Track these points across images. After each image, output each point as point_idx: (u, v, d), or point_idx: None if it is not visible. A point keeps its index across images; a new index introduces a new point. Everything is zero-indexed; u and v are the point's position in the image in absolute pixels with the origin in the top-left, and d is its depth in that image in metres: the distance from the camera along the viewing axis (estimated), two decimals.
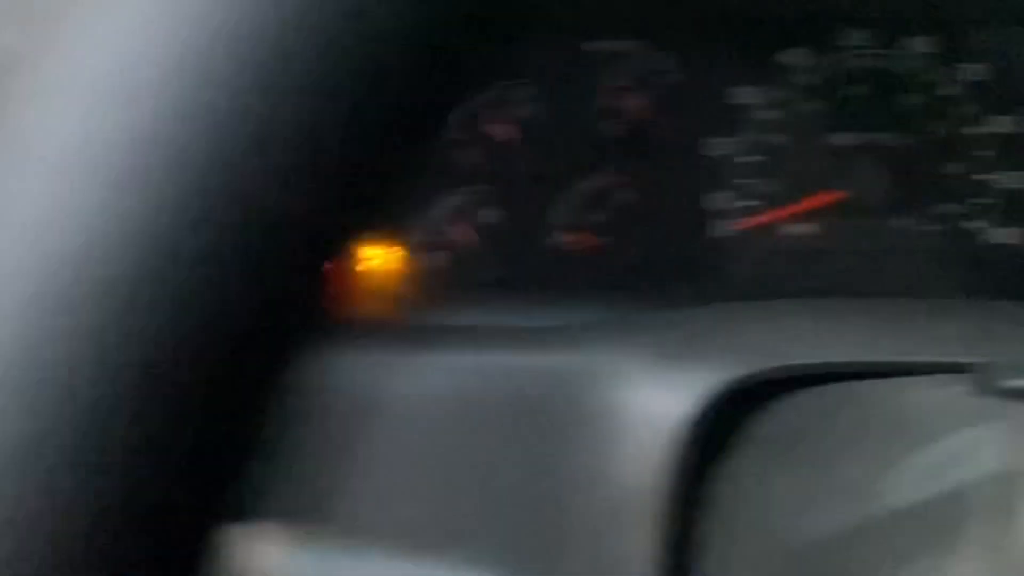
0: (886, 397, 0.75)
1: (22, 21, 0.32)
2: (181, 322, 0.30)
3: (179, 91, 0.30)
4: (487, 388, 0.93)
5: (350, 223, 0.34)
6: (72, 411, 0.30)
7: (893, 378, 0.81)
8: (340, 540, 0.90)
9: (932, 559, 0.56)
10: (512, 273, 1.19)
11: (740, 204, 1.19)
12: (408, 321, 1.12)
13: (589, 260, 1.20)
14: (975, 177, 1.19)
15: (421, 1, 0.32)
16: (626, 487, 0.89)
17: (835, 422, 0.78)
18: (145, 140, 0.30)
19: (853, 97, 1.18)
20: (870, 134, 1.18)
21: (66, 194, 0.30)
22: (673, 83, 1.18)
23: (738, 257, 1.21)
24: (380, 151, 0.34)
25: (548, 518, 0.91)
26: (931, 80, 1.17)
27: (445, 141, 1.18)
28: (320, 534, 0.90)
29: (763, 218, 1.20)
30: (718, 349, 0.90)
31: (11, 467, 0.29)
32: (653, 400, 0.89)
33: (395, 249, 1.17)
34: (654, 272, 1.20)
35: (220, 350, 0.31)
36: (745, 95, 1.18)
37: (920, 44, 1.17)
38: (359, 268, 1.08)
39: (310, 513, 0.92)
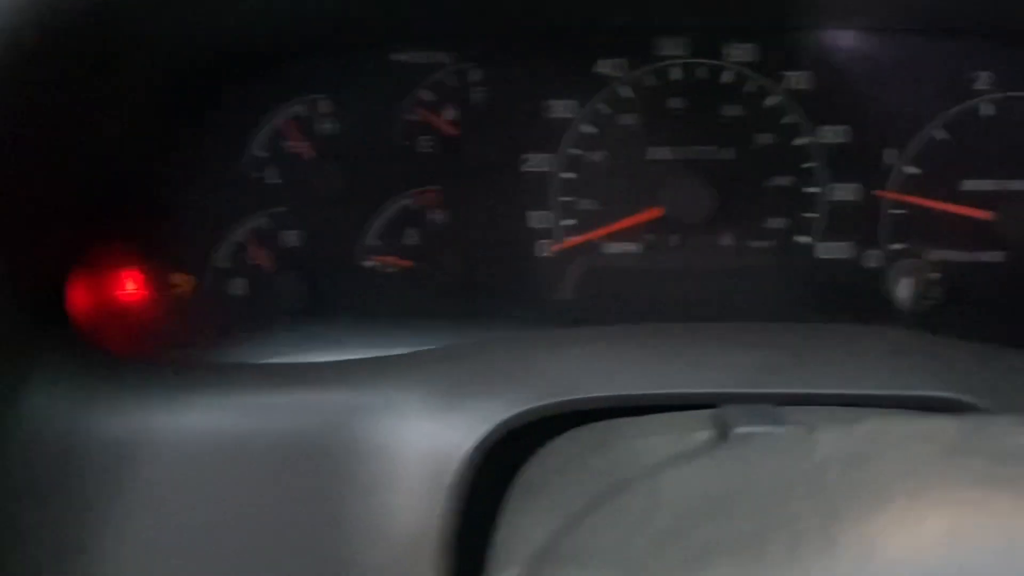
0: (636, 443, 0.71)
1: None
2: None
3: None
4: (259, 427, 0.87)
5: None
6: None
7: (653, 417, 0.77)
8: None
9: None
10: (315, 299, 1.13)
11: (559, 223, 1.14)
12: (181, 357, 1.06)
13: (399, 284, 1.14)
14: (804, 190, 1.14)
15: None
16: (402, 528, 0.84)
17: (587, 464, 0.73)
18: None
19: (674, 109, 1.13)
20: (693, 147, 1.13)
21: None
22: (486, 97, 1.13)
23: (558, 278, 1.16)
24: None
25: (322, 562, 0.86)
26: (754, 90, 1.13)
27: (241, 160, 1.12)
28: None
29: (584, 237, 1.15)
30: (504, 384, 0.86)
31: None
32: (433, 438, 0.84)
33: (181, 279, 1.11)
34: (469, 295, 1.15)
35: None
36: (562, 109, 1.13)
37: (741, 53, 1.12)
38: (132, 300, 1.01)
39: (59, 567, 0.86)
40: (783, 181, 1.14)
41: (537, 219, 1.14)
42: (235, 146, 1.11)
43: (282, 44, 1.09)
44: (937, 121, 1.12)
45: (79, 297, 1.02)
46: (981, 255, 1.14)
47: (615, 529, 0.44)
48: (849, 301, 1.15)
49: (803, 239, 1.15)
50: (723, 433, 0.63)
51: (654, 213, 1.13)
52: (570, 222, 1.14)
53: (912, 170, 1.13)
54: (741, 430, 0.62)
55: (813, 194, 1.14)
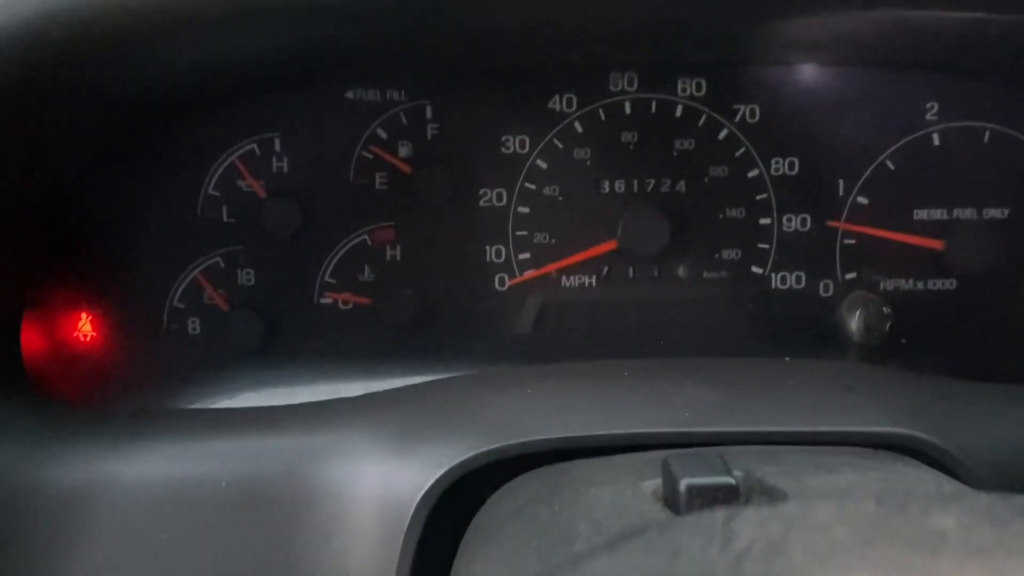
0: (585, 494, 0.71)
1: None
2: None
3: None
4: (213, 474, 0.87)
5: None
6: None
7: (602, 462, 0.77)
8: None
9: None
10: (271, 338, 1.13)
11: (515, 257, 1.15)
12: (135, 402, 1.05)
13: (355, 321, 1.14)
14: (758, 222, 1.16)
15: None
16: (357, 574, 0.84)
17: (537, 516, 0.73)
18: None
19: (627, 143, 1.14)
20: (646, 181, 1.14)
21: None
22: (441, 134, 1.13)
23: (515, 312, 1.16)
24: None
25: None
26: (706, 124, 1.14)
27: (195, 200, 1.12)
28: None
29: (539, 271, 1.15)
30: (456, 428, 0.86)
31: None
32: (386, 483, 0.84)
33: (127, 322, 1.11)
34: (426, 331, 1.15)
35: None
36: (516, 145, 1.14)
37: (693, 88, 1.13)
38: (85, 344, 1.00)
39: None
40: (736, 213, 1.15)
41: (493, 254, 1.14)
42: (189, 186, 1.11)
43: (235, 83, 1.09)
44: (887, 153, 1.13)
45: (32, 340, 1.01)
46: (932, 283, 1.16)
47: None
48: (803, 331, 1.16)
49: (757, 270, 1.16)
50: (671, 483, 0.64)
51: (609, 246, 1.14)
52: (525, 256, 1.15)
53: (863, 201, 1.14)
54: (687, 481, 0.63)
55: (766, 225, 1.15)
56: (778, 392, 0.90)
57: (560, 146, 1.14)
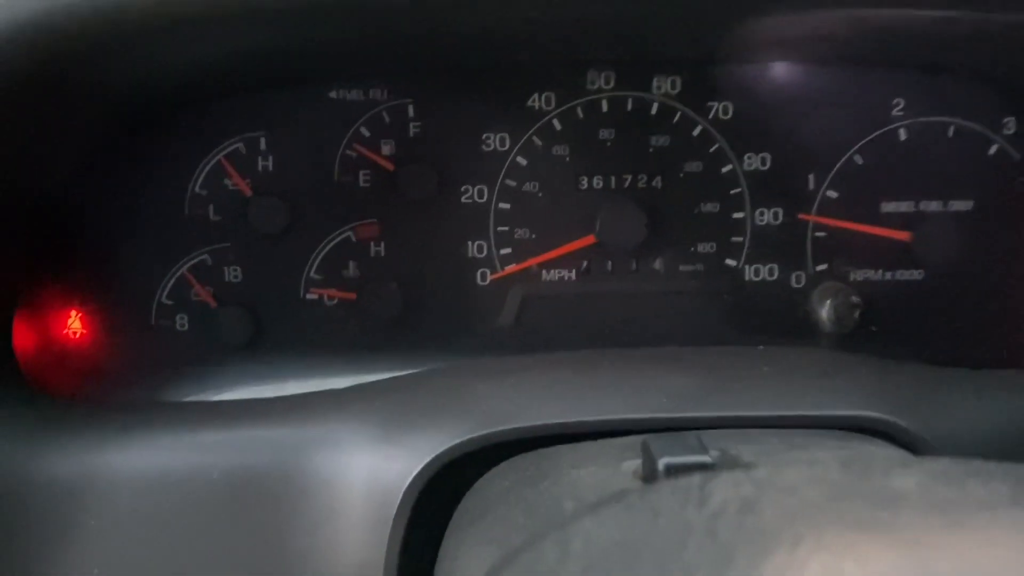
0: (568, 475, 0.74)
1: None
2: None
3: None
4: (204, 465, 0.89)
5: None
6: None
7: (585, 446, 0.80)
8: None
9: None
10: (258, 333, 1.15)
11: (496, 252, 1.18)
12: (127, 396, 1.07)
13: (341, 316, 1.17)
14: (732, 215, 1.19)
15: None
16: (347, 561, 0.86)
17: (523, 497, 0.76)
18: None
19: (605, 140, 1.17)
20: (624, 176, 1.17)
21: None
22: (423, 132, 1.16)
23: (497, 306, 1.19)
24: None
25: None
26: (681, 121, 1.17)
27: (183, 198, 1.14)
28: None
29: (520, 265, 1.18)
30: (442, 416, 0.88)
31: None
32: (375, 471, 0.86)
33: (116, 319, 1.13)
34: (410, 325, 1.18)
35: None
36: (496, 142, 1.16)
37: (668, 85, 1.17)
38: (77, 340, 1.02)
39: None
40: (711, 207, 1.18)
41: (475, 249, 1.17)
42: (176, 185, 1.13)
43: (221, 84, 1.11)
44: (855, 147, 1.17)
45: (24, 338, 1.03)
46: (900, 274, 1.20)
47: (535, 574, 0.47)
48: (776, 320, 1.19)
49: (731, 262, 1.19)
50: (650, 463, 0.67)
51: (588, 241, 1.17)
52: (507, 251, 1.17)
53: (833, 194, 1.18)
54: (666, 460, 0.66)
55: (740, 219, 1.18)
56: (752, 379, 0.93)
57: (539, 143, 1.17)
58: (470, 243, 1.18)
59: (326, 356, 1.16)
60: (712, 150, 1.17)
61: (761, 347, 1.05)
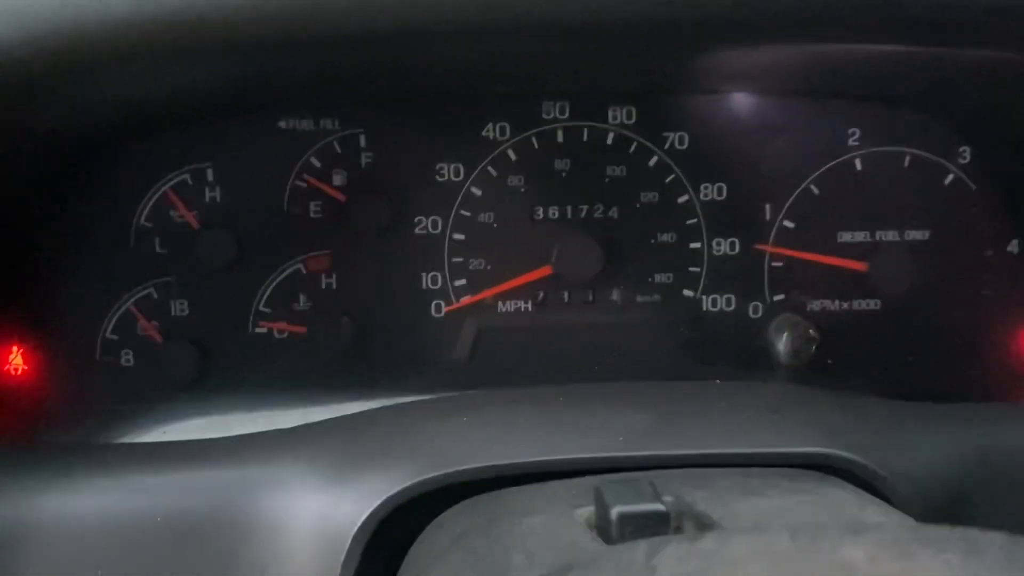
0: (518, 524, 0.72)
1: None
2: None
3: None
4: (148, 508, 0.86)
5: None
6: None
7: (537, 488, 0.78)
8: None
9: None
10: (206, 369, 1.12)
11: (451, 284, 1.16)
12: (67, 438, 1.04)
13: (291, 350, 1.14)
14: (689, 245, 1.18)
15: None
16: None
17: (473, 548, 0.74)
18: None
19: (560, 171, 1.16)
20: (579, 207, 1.16)
21: None
22: (375, 162, 1.14)
23: (452, 339, 1.17)
24: None
25: None
26: (636, 151, 1.16)
27: (128, 231, 1.11)
28: None
29: (475, 297, 1.16)
30: (392, 457, 0.86)
31: None
32: (323, 514, 0.84)
33: (60, 354, 1.10)
34: (363, 359, 1.15)
35: None
36: (451, 172, 1.15)
37: (623, 116, 1.16)
38: (16, 378, 0.98)
39: None
40: (667, 237, 1.17)
41: (429, 280, 1.15)
42: (121, 217, 1.10)
43: (167, 114, 1.09)
44: (811, 178, 1.17)
45: None
46: (857, 303, 1.19)
47: None
48: (733, 352, 1.19)
49: (688, 293, 1.18)
50: (603, 511, 0.65)
51: (544, 271, 1.16)
52: (461, 282, 1.16)
53: (790, 224, 1.17)
54: (618, 509, 0.64)
55: (696, 249, 1.17)
56: (709, 415, 0.92)
57: (494, 174, 1.15)
58: (424, 275, 1.16)
59: (276, 391, 1.13)
60: (668, 180, 1.16)
61: (718, 381, 1.04)
